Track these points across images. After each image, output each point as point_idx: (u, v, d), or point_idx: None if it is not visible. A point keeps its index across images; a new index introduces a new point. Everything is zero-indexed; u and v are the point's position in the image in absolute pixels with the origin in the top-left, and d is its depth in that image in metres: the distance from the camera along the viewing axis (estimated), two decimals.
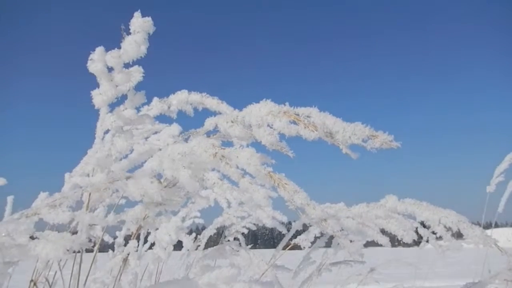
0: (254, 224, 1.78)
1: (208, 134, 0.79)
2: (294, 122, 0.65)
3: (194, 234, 1.89)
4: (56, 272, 1.31)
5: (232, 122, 0.69)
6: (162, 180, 0.87)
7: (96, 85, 0.79)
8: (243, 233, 1.82)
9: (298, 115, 0.65)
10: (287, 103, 0.68)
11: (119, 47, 0.77)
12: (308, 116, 0.65)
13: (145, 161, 0.90)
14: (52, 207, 0.62)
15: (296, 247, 1.43)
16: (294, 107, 0.67)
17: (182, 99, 1.01)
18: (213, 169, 0.67)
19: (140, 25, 0.75)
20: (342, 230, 1.13)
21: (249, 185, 0.61)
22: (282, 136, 0.68)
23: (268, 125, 0.66)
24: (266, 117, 0.65)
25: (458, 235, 0.92)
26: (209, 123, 0.75)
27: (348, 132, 0.62)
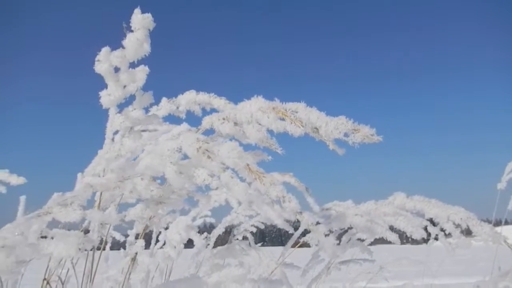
0: (262, 222, 1.78)
1: (207, 133, 0.79)
2: (283, 119, 0.65)
3: (205, 234, 1.90)
4: (68, 270, 1.33)
5: (224, 119, 0.69)
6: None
7: (104, 84, 0.80)
8: (251, 232, 1.83)
9: (286, 110, 0.65)
10: (276, 99, 0.67)
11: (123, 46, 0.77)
12: (295, 112, 0.64)
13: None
14: (63, 206, 0.63)
15: (305, 244, 1.43)
16: (283, 103, 0.67)
17: (190, 100, 1.02)
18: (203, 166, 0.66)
19: (140, 22, 0.75)
20: (350, 228, 1.13)
21: (230, 179, 0.61)
22: (285, 134, 0.67)
23: (257, 122, 0.66)
24: (256, 113, 0.65)
25: (467, 233, 0.91)
26: (206, 121, 0.75)
27: (330, 126, 0.61)
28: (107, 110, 0.86)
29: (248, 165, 0.61)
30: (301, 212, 0.62)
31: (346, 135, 0.63)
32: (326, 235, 1.35)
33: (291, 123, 0.63)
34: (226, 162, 0.61)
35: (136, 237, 1.70)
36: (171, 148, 0.64)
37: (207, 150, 0.61)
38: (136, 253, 0.93)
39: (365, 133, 0.61)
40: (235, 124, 0.70)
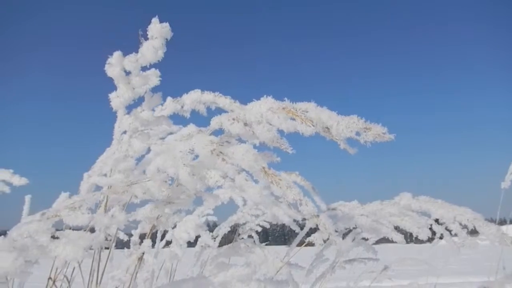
0: (268, 222, 1.78)
1: (216, 133, 0.79)
2: (294, 118, 0.65)
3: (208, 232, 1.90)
4: (74, 269, 1.33)
5: (234, 120, 0.69)
6: (174, 180, 0.88)
7: (108, 85, 0.80)
8: (256, 231, 1.83)
9: (296, 110, 0.65)
10: (285, 99, 0.67)
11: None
12: (305, 111, 0.64)
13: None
14: (72, 209, 0.64)
15: (308, 243, 1.43)
16: (293, 103, 0.66)
17: (195, 99, 1.02)
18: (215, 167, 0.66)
19: (158, 30, 0.76)
20: (355, 227, 1.13)
21: (244, 182, 0.61)
22: (293, 134, 0.67)
23: (268, 122, 0.66)
24: (266, 113, 0.65)
25: (472, 232, 0.91)
26: (215, 122, 0.75)
27: (342, 126, 0.61)
28: (111, 109, 0.87)
29: (264, 168, 0.61)
30: (318, 215, 0.62)
31: (357, 134, 0.62)
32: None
33: (302, 122, 0.63)
34: (241, 164, 0.61)
35: (140, 236, 1.71)
36: (184, 149, 0.64)
37: (221, 152, 0.61)
38: (143, 253, 0.94)
39: (376, 132, 0.61)
40: (245, 124, 0.70)
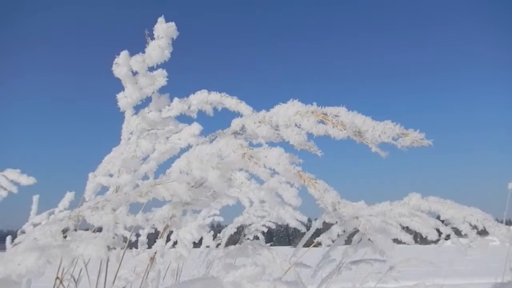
0: (273, 222, 1.79)
1: (234, 134, 0.80)
2: (322, 122, 0.65)
3: (212, 233, 1.91)
4: (81, 269, 1.34)
5: (260, 122, 0.69)
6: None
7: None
8: (262, 232, 1.83)
9: (326, 114, 0.65)
10: (314, 103, 0.68)
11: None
12: (336, 116, 0.64)
13: (167, 160, 0.91)
14: (95, 209, 0.64)
15: (315, 244, 1.43)
16: (321, 107, 0.67)
17: (201, 99, 1.02)
18: (240, 169, 0.67)
19: (164, 30, 0.76)
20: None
21: (279, 185, 0.61)
22: (309, 135, 0.68)
23: (296, 125, 0.66)
24: (294, 117, 0.66)
25: (480, 233, 0.91)
26: (236, 123, 0.75)
27: (377, 131, 0.61)
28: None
29: (299, 172, 0.61)
30: (357, 217, 0.62)
31: (393, 139, 0.63)
32: (339, 235, 1.34)
33: (334, 126, 0.64)
34: (276, 168, 0.62)
35: (148, 236, 1.72)
36: (210, 152, 0.65)
37: (252, 156, 0.62)
38: (155, 252, 0.94)
39: (414, 138, 0.61)
40: (271, 127, 0.70)
